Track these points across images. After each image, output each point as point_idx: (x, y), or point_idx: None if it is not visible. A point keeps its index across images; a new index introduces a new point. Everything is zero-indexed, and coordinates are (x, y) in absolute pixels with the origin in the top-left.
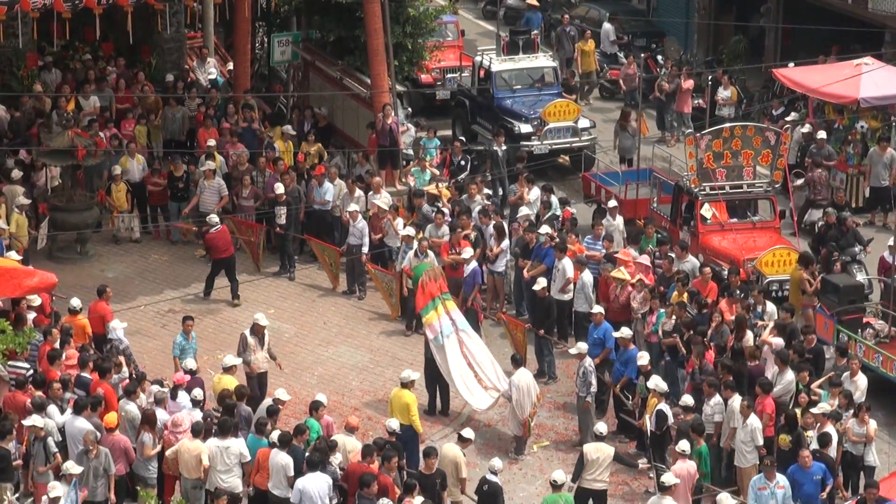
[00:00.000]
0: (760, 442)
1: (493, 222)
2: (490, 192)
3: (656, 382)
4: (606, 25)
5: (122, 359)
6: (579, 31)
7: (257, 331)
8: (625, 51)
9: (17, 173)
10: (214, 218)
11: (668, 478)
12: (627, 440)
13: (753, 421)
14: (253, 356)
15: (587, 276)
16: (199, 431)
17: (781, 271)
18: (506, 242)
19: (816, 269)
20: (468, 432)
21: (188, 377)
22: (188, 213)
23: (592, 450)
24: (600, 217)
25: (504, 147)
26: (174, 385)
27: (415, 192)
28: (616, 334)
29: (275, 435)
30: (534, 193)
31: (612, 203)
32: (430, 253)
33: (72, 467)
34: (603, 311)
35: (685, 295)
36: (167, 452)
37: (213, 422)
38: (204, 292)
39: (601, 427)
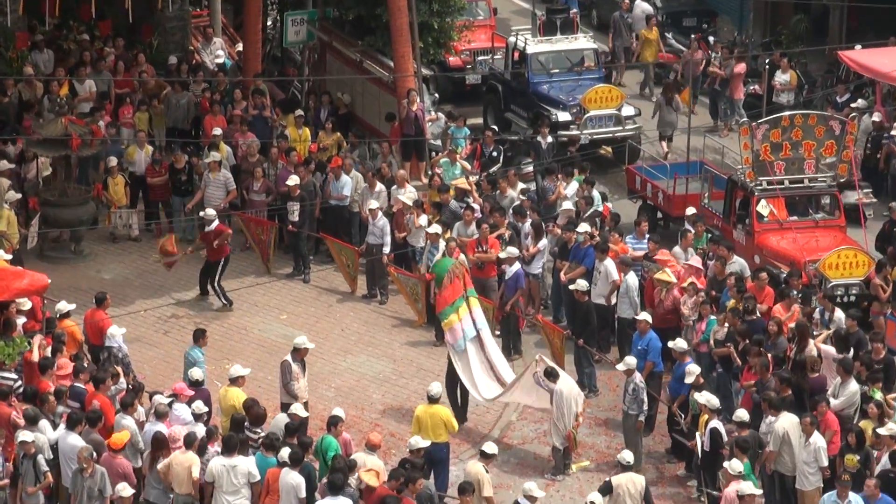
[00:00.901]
0: (825, 462)
1: (530, 220)
2: (525, 186)
3: (707, 398)
4: (642, 4)
5: (119, 368)
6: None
7: (300, 356)
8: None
9: (4, 164)
10: (211, 212)
11: None
12: (676, 461)
13: (817, 439)
14: (296, 385)
15: (631, 279)
16: (192, 443)
17: (847, 274)
18: (543, 242)
19: (892, 273)
20: (490, 447)
21: (191, 390)
22: (192, 208)
23: (621, 481)
24: (645, 214)
25: (549, 139)
26: (172, 395)
27: (442, 187)
28: (671, 345)
29: (285, 453)
30: (571, 188)
31: (691, 210)
32: (462, 255)
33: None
34: (649, 319)
35: (740, 302)
36: (159, 466)
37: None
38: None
39: (627, 455)
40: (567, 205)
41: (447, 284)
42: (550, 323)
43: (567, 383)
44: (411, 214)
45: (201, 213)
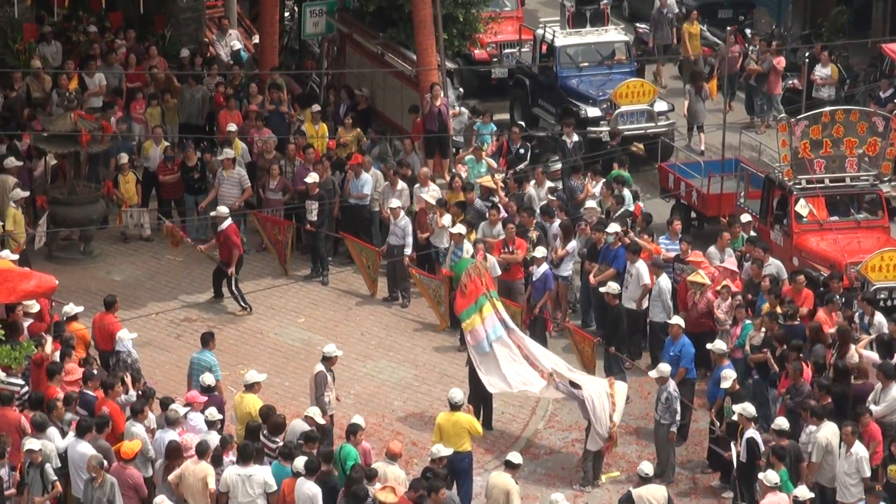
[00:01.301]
0: (867, 473)
1: (559, 220)
2: (553, 184)
3: (743, 406)
4: None
5: (127, 376)
6: (681, 13)
7: (330, 364)
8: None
9: (11, 161)
10: (224, 210)
11: None
12: (710, 470)
13: (859, 449)
14: (330, 395)
15: (664, 282)
16: (205, 451)
17: (891, 277)
18: (573, 244)
19: None
20: (515, 457)
21: (204, 397)
22: (205, 207)
23: (642, 493)
24: (678, 213)
25: (575, 138)
26: (187, 405)
27: (467, 185)
28: (710, 346)
29: (300, 462)
30: (598, 188)
31: (746, 218)
32: (490, 257)
33: None
34: (682, 323)
35: (777, 305)
36: (170, 477)
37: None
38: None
39: (646, 467)
40: (591, 203)
41: (466, 284)
42: (580, 330)
43: (593, 387)
44: (434, 214)
45: (213, 213)
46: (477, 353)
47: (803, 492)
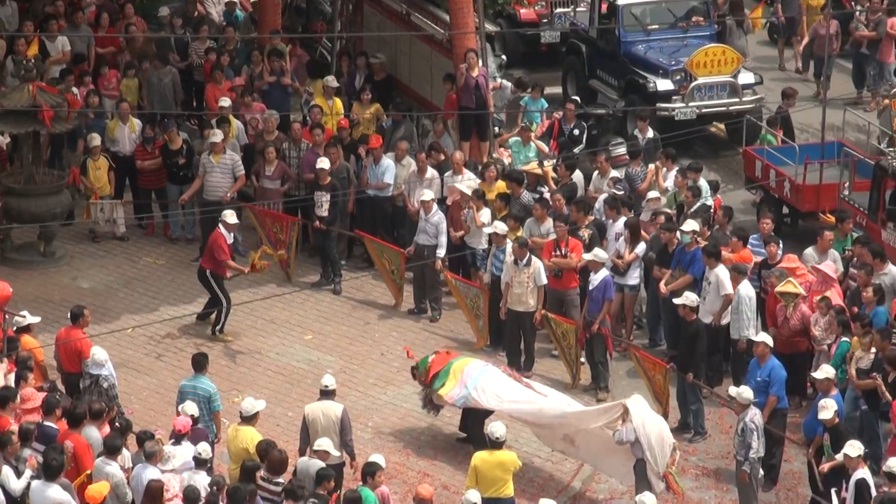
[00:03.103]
0: None
1: (624, 217)
2: (618, 174)
3: (851, 443)
4: None
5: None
6: None
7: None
8: None
9: None
10: (230, 217)
11: None
12: None
13: None
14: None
15: (745, 290)
16: (196, 501)
17: None
18: (641, 247)
19: None
20: None
21: (176, 420)
22: (187, 200)
23: None
24: (767, 208)
25: (650, 134)
26: (176, 433)
27: (512, 173)
28: (816, 375)
29: None
30: (671, 177)
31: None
32: (535, 259)
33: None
34: (769, 341)
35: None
36: None
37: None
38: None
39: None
40: (653, 195)
41: (430, 363)
42: (650, 356)
43: (646, 415)
44: (470, 208)
45: (225, 214)
46: (463, 404)
47: None
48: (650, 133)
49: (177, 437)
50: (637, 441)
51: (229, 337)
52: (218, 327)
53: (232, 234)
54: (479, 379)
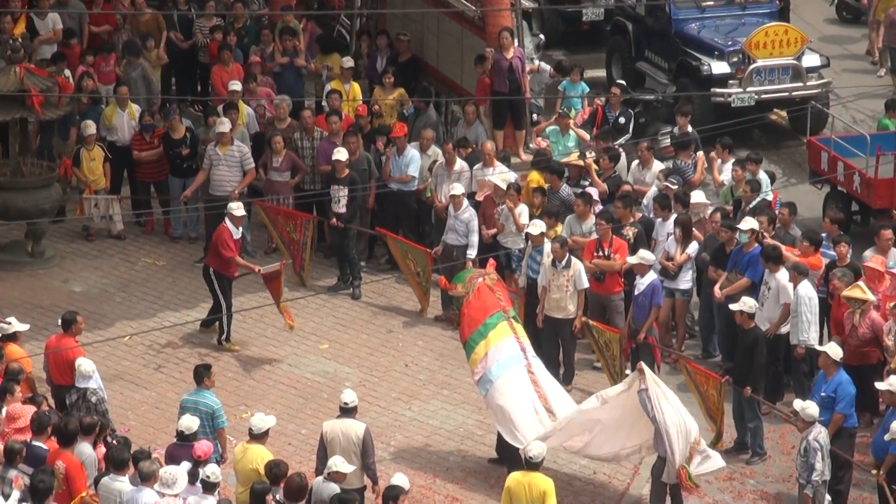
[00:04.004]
0: None
1: (675, 215)
2: (667, 164)
3: None
4: None
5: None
6: None
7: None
8: None
9: None
10: (237, 210)
11: None
12: None
13: None
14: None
15: (805, 290)
16: None
17: None
18: (693, 247)
19: None
20: None
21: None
22: (190, 196)
23: None
24: (836, 204)
25: (690, 130)
26: (195, 459)
27: (552, 165)
28: (880, 386)
29: None
30: (727, 169)
31: None
32: (575, 261)
33: None
34: (837, 352)
35: None
36: None
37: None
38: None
39: None
40: (697, 198)
41: (469, 298)
42: (703, 368)
43: (672, 406)
44: (507, 204)
45: (231, 205)
46: (484, 388)
47: None
48: (689, 129)
49: (195, 464)
50: (657, 430)
51: (237, 346)
52: (223, 336)
53: (239, 229)
54: (505, 374)
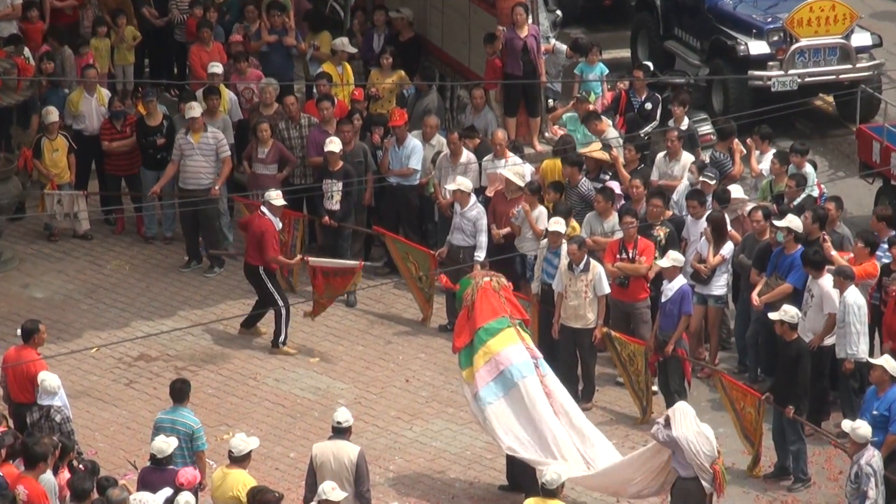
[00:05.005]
0: None
1: (709, 212)
2: (703, 158)
3: None
4: None
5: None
6: None
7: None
8: None
9: None
10: (276, 198)
11: None
12: None
13: None
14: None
15: (853, 297)
16: None
17: None
18: (729, 248)
19: None
20: None
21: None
22: (159, 191)
23: None
24: (888, 199)
25: (686, 125)
26: (177, 486)
27: (571, 157)
28: (878, 361)
29: None
30: (766, 160)
31: None
32: (595, 264)
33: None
34: (892, 366)
35: None
36: None
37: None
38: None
39: None
40: (736, 191)
41: (471, 303)
42: (740, 383)
43: (687, 421)
44: (522, 203)
45: (270, 193)
46: (477, 407)
47: None
48: (685, 123)
49: (176, 491)
50: (676, 447)
51: (293, 349)
52: (281, 338)
53: (278, 220)
54: (511, 390)
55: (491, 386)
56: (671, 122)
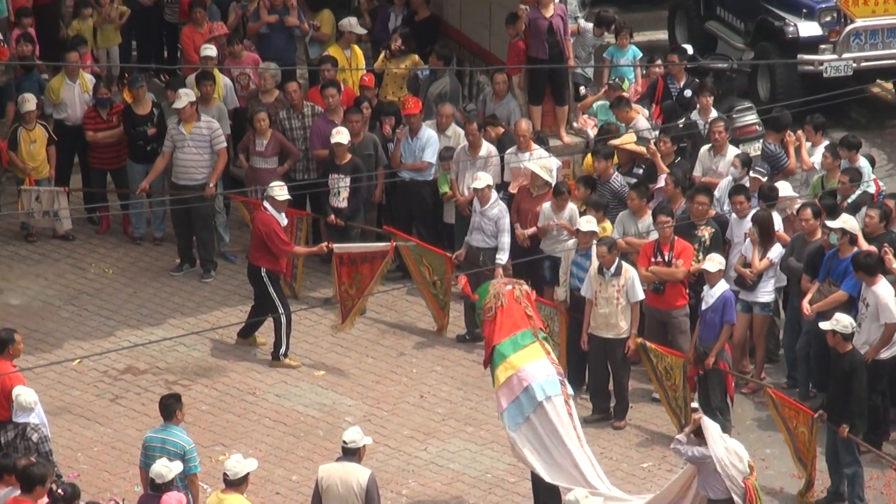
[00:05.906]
0: None
1: (754, 211)
2: (752, 150)
3: None
4: None
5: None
6: None
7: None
8: None
9: None
10: (280, 192)
11: None
12: None
13: None
14: None
15: None
16: None
17: None
18: (777, 250)
19: None
20: None
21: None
22: (148, 187)
23: None
24: None
25: (714, 116)
26: None
27: (602, 149)
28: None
29: None
30: (817, 154)
31: None
32: (628, 268)
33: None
34: None
35: None
36: None
37: None
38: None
39: None
40: (784, 188)
41: (493, 313)
42: (790, 399)
43: (719, 440)
44: (550, 202)
45: (272, 187)
46: (509, 423)
47: None
48: (713, 114)
49: None
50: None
51: (296, 361)
52: (282, 349)
53: (283, 216)
54: (537, 410)
55: (511, 409)
56: (695, 114)
